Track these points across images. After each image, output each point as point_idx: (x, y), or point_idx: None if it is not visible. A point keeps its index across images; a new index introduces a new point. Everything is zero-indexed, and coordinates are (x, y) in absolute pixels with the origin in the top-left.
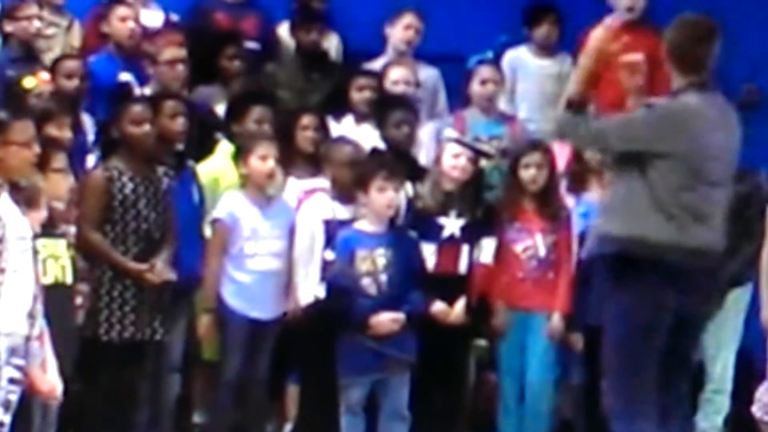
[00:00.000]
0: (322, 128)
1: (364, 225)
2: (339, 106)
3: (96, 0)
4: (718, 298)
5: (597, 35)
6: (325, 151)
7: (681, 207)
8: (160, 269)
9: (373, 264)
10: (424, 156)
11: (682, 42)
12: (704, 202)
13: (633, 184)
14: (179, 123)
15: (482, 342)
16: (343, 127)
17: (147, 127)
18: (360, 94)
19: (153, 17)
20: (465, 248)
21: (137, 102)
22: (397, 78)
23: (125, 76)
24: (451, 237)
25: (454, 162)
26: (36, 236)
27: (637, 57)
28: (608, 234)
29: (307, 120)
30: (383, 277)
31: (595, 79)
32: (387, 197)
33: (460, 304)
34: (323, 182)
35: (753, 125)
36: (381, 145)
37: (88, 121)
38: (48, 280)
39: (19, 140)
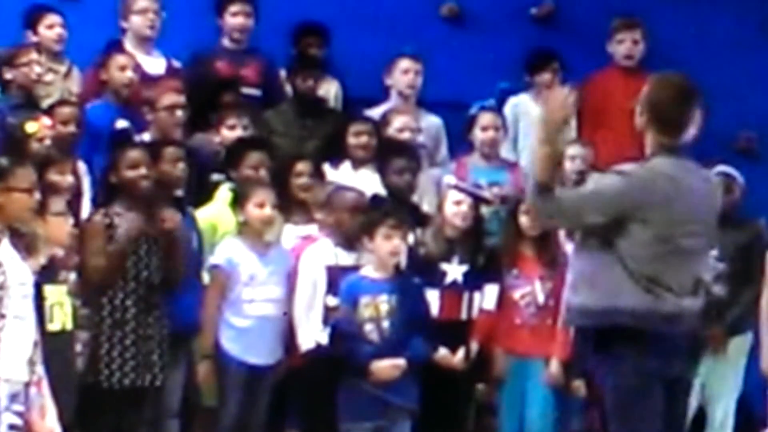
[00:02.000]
0: (317, 175)
1: (369, 271)
2: (336, 152)
3: (95, 47)
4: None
5: (546, 121)
6: (327, 197)
7: (653, 277)
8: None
9: (376, 310)
10: (427, 203)
11: (661, 101)
12: (677, 272)
13: (603, 256)
14: (179, 169)
15: (481, 385)
16: (341, 173)
17: (143, 172)
18: (356, 139)
19: (155, 64)
20: (468, 294)
21: (134, 147)
22: (401, 125)
23: (122, 123)
24: (454, 283)
25: (456, 209)
26: (40, 283)
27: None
28: (584, 307)
29: (301, 167)
30: (386, 324)
31: (559, 158)
32: (392, 245)
33: (462, 351)
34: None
35: (752, 174)
36: (381, 190)
37: (82, 167)
38: (55, 326)
39: (21, 186)
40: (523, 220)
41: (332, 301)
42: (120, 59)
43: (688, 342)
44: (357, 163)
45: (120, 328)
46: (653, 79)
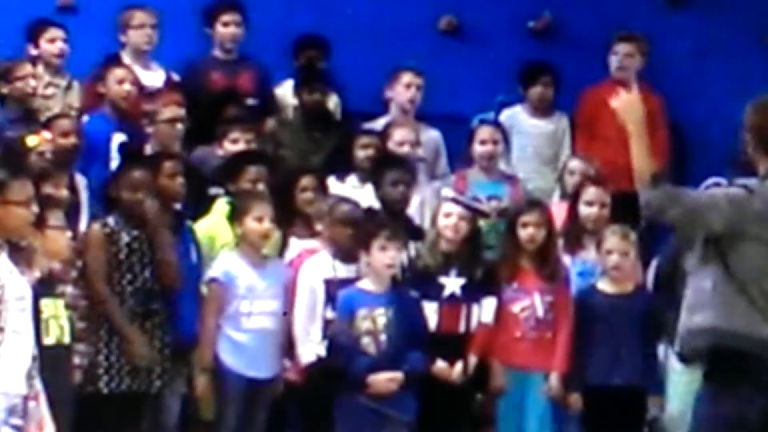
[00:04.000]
0: (322, 189)
1: (366, 284)
2: (341, 165)
3: (94, 59)
4: None
5: (627, 103)
6: (324, 210)
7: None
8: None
9: (373, 323)
10: (427, 216)
11: (764, 125)
12: None
13: (718, 273)
14: (178, 183)
15: (479, 397)
16: (347, 186)
17: (143, 194)
18: (364, 152)
19: (154, 77)
20: (466, 307)
21: (138, 168)
22: (401, 139)
23: (119, 137)
24: (452, 296)
25: (447, 221)
26: (37, 296)
27: (627, 95)
28: (699, 327)
29: (306, 181)
30: (383, 337)
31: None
32: (388, 257)
33: (461, 364)
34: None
35: None
36: (376, 204)
37: (81, 181)
38: (50, 340)
39: (19, 200)
40: (522, 233)
41: (331, 314)
42: (118, 72)
43: None
44: (363, 177)
45: (118, 335)
46: (755, 105)
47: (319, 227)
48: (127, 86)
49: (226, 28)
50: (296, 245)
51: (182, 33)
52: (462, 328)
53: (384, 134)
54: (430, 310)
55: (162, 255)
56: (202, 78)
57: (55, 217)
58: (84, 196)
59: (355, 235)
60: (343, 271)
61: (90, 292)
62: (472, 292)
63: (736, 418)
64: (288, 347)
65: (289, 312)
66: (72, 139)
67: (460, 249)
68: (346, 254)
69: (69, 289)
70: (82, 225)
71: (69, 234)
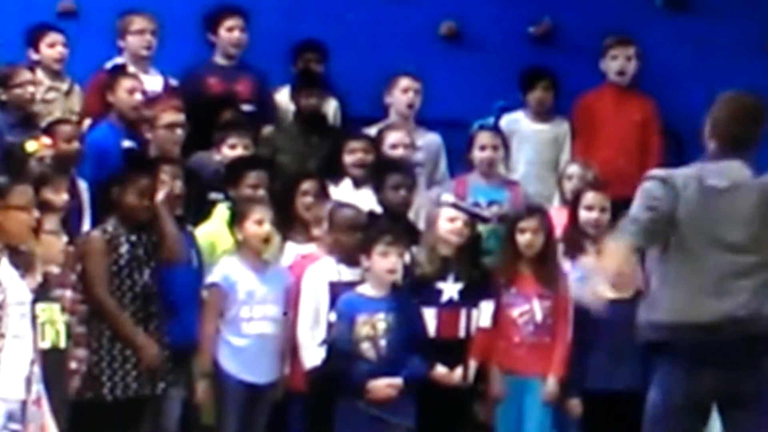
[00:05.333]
0: (322, 193)
1: (366, 289)
2: (336, 170)
3: (95, 65)
4: None
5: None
6: (323, 214)
7: (694, 278)
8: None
9: (373, 328)
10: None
11: (720, 118)
12: (724, 269)
13: (658, 266)
14: (178, 188)
15: (478, 402)
16: (341, 191)
17: (148, 202)
18: (352, 156)
19: (152, 82)
20: (464, 312)
21: (145, 175)
22: (395, 141)
23: (127, 144)
24: (450, 301)
25: (451, 226)
26: (34, 301)
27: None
28: (643, 321)
29: (306, 185)
30: (383, 342)
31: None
32: (389, 262)
33: (461, 369)
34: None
35: None
36: (378, 208)
37: (83, 186)
38: (45, 345)
39: (19, 205)
40: (521, 239)
41: (334, 317)
42: (127, 82)
43: (746, 350)
44: (357, 181)
45: (125, 342)
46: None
47: (316, 232)
48: (138, 96)
49: (231, 33)
50: (292, 250)
51: (182, 39)
52: (462, 333)
53: (377, 138)
54: (429, 316)
55: (164, 227)
56: (199, 83)
57: (51, 222)
58: (86, 201)
59: (357, 239)
60: (348, 274)
61: (91, 299)
62: (471, 297)
63: (686, 394)
64: (290, 352)
65: (291, 313)
66: (75, 145)
67: (457, 254)
68: (349, 258)
69: (68, 294)
70: (84, 230)
71: (64, 239)
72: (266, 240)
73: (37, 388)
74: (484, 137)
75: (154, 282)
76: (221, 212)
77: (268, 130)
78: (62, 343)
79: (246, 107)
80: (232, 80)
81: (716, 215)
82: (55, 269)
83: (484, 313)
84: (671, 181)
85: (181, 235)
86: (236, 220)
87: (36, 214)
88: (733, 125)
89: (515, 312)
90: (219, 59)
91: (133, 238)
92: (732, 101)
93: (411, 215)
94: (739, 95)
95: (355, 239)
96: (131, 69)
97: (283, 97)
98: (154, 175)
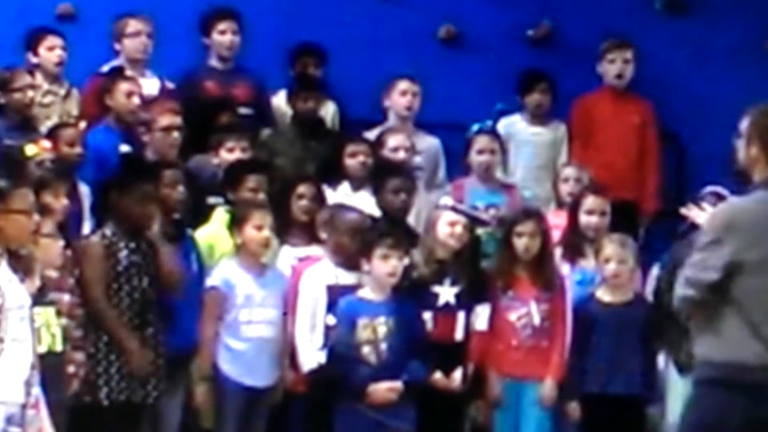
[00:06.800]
0: (319, 197)
1: (366, 293)
2: (334, 173)
3: (94, 69)
4: None
5: None
6: (328, 218)
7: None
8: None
9: (374, 332)
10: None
11: None
12: None
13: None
14: (178, 192)
15: (476, 405)
16: (339, 194)
17: (148, 208)
18: (353, 160)
19: (149, 85)
20: (461, 315)
21: (145, 180)
22: (396, 145)
23: (125, 148)
24: (447, 305)
25: (450, 230)
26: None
27: None
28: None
29: (303, 189)
30: (383, 346)
31: None
32: (390, 265)
33: (459, 373)
34: (317, 250)
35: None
36: (376, 212)
37: (84, 190)
38: (42, 348)
39: (20, 209)
40: (517, 243)
41: (332, 320)
42: (125, 86)
43: None
44: (355, 185)
45: (117, 346)
46: (759, 110)
47: (323, 235)
48: (136, 99)
49: (223, 36)
50: (288, 253)
51: (179, 42)
52: (458, 336)
53: (378, 141)
54: (425, 319)
55: (165, 266)
56: (196, 87)
57: (48, 226)
58: (87, 205)
59: (358, 243)
60: (346, 277)
61: (87, 303)
62: (467, 300)
63: (717, 422)
64: (288, 355)
65: (290, 315)
66: (77, 149)
67: (454, 257)
68: (349, 262)
69: (66, 297)
70: (85, 232)
71: (61, 243)
72: (265, 245)
73: (36, 391)
74: (481, 141)
75: (154, 290)
76: (220, 215)
77: (265, 133)
78: (58, 347)
79: (243, 110)
80: (230, 84)
81: None
82: (53, 273)
83: (480, 317)
84: None
85: (184, 270)
86: (236, 223)
87: (36, 218)
88: None
89: (513, 315)
90: (214, 62)
91: (132, 245)
92: None
93: (410, 219)
94: None
95: (357, 243)
96: (128, 72)
97: (279, 100)
98: (154, 181)
